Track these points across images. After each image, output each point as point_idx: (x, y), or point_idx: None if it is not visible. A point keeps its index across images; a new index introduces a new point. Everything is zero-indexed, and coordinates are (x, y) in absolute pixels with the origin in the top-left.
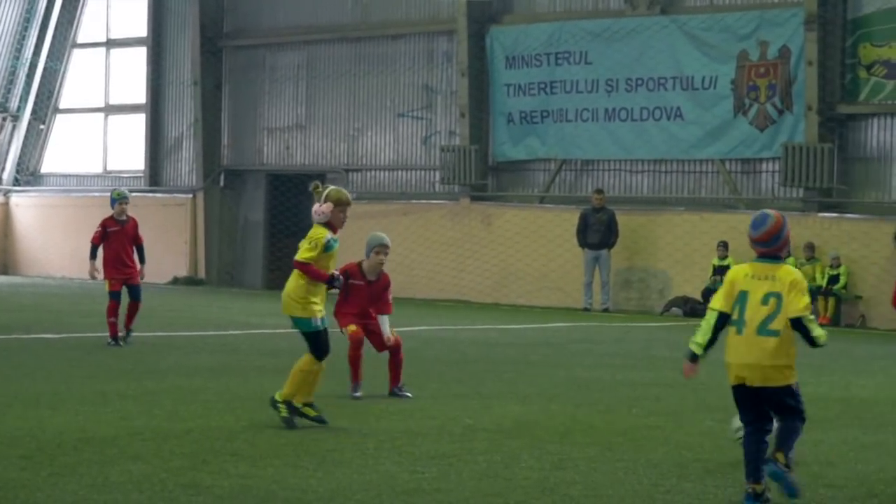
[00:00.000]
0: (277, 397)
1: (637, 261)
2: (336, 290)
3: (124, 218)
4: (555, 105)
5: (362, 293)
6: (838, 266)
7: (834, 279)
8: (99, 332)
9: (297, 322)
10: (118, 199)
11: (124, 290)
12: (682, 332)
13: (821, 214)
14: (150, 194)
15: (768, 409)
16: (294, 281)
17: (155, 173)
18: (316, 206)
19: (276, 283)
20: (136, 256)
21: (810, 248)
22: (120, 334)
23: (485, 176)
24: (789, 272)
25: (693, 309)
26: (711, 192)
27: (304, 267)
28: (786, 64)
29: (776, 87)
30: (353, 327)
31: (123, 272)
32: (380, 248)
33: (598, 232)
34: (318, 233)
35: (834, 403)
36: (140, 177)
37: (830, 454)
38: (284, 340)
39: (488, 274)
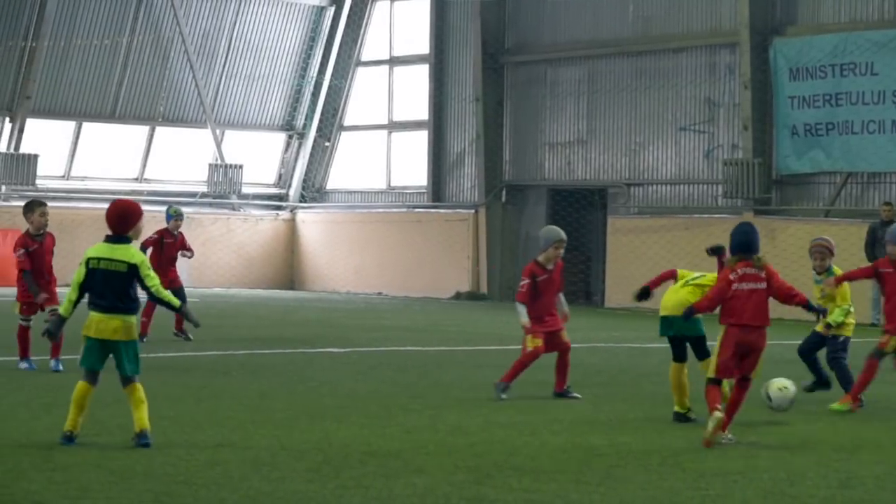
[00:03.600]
0: (678, 409)
1: None
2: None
3: (177, 233)
4: (840, 117)
5: (549, 285)
6: None
7: None
8: (384, 346)
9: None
10: (174, 216)
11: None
12: None
13: None
14: (433, 210)
15: None
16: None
17: (438, 189)
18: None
19: None
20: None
21: None
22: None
23: (768, 189)
24: None
25: None
26: None
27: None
28: None
29: None
30: (539, 341)
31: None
32: (559, 243)
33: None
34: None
35: None
36: (423, 192)
37: None
38: None
39: None
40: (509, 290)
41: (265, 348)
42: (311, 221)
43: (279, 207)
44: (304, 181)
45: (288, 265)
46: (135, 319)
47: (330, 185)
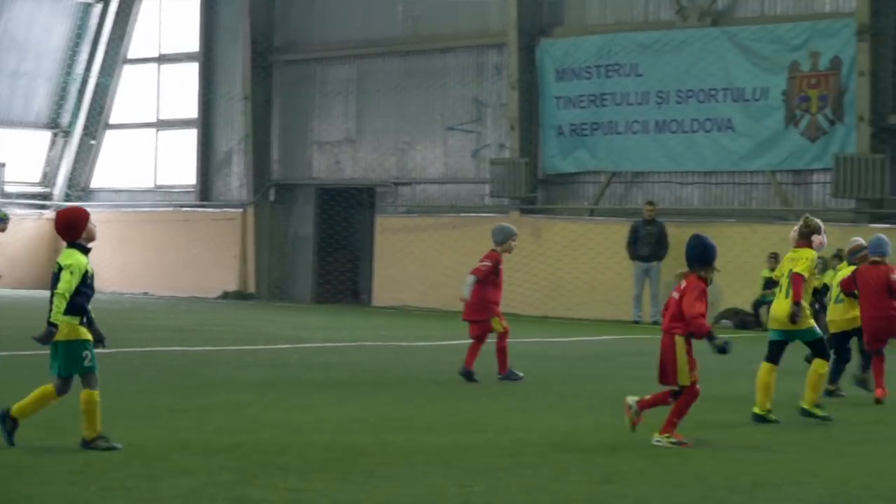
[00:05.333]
0: (806, 406)
1: None
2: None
3: None
4: (605, 117)
5: (500, 276)
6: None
7: None
8: (149, 347)
9: (800, 333)
10: (3, 219)
11: None
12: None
13: (872, 226)
14: (201, 209)
15: None
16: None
17: (205, 188)
18: (819, 238)
19: (325, 297)
20: None
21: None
22: None
23: (534, 189)
24: None
25: (743, 321)
26: (762, 203)
27: (799, 281)
28: (837, 75)
29: (827, 98)
30: (505, 322)
31: None
32: (516, 236)
33: (648, 244)
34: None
35: None
36: (191, 191)
37: None
38: (334, 355)
39: (537, 287)
40: (277, 289)
41: (27, 349)
42: None
43: (43, 207)
44: (70, 180)
45: (52, 265)
46: (70, 320)
47: (95, 184)
